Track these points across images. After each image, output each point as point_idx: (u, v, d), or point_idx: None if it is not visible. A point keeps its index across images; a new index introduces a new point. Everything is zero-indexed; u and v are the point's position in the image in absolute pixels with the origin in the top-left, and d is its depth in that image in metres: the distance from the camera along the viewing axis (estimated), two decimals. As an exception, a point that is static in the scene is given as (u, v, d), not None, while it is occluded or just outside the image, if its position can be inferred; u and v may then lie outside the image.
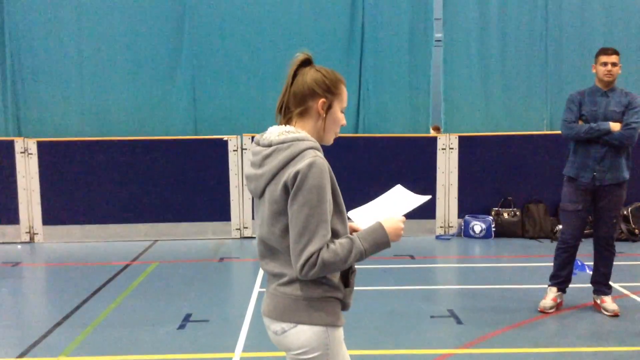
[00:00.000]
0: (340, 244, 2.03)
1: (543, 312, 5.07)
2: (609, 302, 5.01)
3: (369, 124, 8.58)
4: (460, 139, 8.26)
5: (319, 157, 2.03)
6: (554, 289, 5.15)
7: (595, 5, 8.52)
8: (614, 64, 4.83)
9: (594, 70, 4.96)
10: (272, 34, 8.39)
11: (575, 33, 8.52)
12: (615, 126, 4.76)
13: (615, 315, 4.93)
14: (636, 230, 7.89)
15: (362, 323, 4.84)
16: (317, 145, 2.11)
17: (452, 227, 8.34)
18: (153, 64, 8.35)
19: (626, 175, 4.90)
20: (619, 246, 7.41)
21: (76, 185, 8.06)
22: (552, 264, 5.21)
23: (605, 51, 4.89)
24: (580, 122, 4.90)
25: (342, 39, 8.47)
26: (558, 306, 5.15)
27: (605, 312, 4.98)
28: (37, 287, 6.54)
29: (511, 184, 8.31)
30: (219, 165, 8.13)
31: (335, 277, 2.14)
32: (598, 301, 5.09)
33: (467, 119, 8.60)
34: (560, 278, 5.13)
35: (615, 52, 4.86)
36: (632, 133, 4.78)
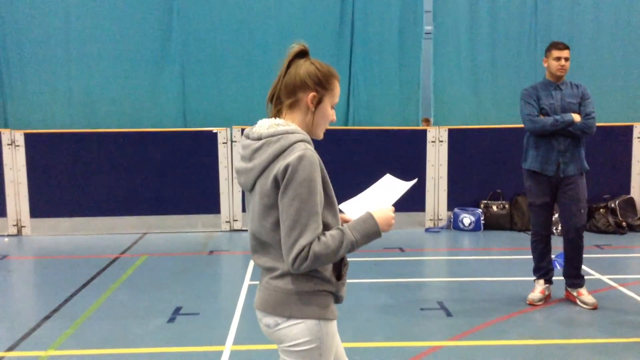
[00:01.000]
0: (331, 235, 2.03)
1: (532, 304, 5.11)
2: (585, 295, 5.03)
3: (358, 116, 8.58)
4: (450, 131, 8.28)
5: (309, 149, 2.02)
6: (541, 281, 5.20)
7: (584, 1, 8.54)
8: (566, 59, 4.93)
9: (545, 64, 5.05)
10: (261, 26, 8.34)
11: (564, 26, 8.54)
12: (576, 117, 4.87)
13: (595, 308, 4.94)
14: (623, 223, 7.94)
15: (352, 316, 4.85)
16: (308, 137, 2.10)
17: (441, 219, 8.37)
18: (142, 55, 8.29)
19: (586, 165, 5.03)
20: (607, 239, 7.52)
21: (64, 178, 8.00)
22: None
23: (557, 45, 4.97)
24: (541, 116, 4.96)
25: (332, 32, 8.44)
26: (546, 298, 5.19)
27: (585, 306, 4.98)
28: (25, 280, 6.50)
29: (500, 176, 8.34)
30: (208, 157, 8.10)
31: (327, 271, 2.14)
32: (574, 294, 5.10)
33: (456, 111, 8.62)
34: (543, 269, 5.19)
35: (567, 47, 4.96)
36: (593, 122, 4.91)
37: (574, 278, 5.11)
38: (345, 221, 2.25)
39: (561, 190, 5.01)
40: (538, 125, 4.92)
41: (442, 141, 8.26)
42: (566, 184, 4.98)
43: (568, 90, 4.98)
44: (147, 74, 8.32)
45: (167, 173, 8.10)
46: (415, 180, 2.35)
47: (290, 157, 1.99)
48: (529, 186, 5.13)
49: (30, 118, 8.24)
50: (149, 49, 8.29)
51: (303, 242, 1.98)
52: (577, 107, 4.93)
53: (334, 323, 2.20)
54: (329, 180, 2.10)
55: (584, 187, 5.03)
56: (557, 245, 7.17)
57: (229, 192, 8.18)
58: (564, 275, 5.19)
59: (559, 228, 7.80)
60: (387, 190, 2.32)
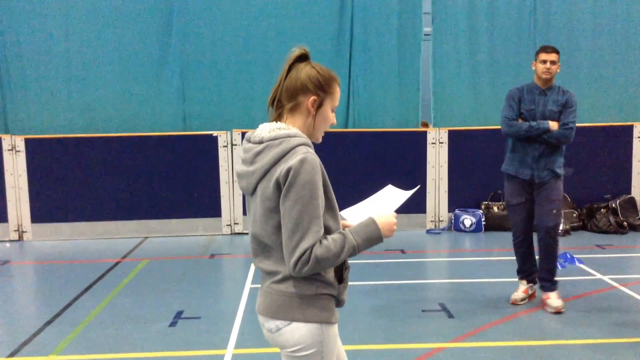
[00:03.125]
0: (332, 239, 2.03)
1: (515, 304, 5.12)
2: (553, 299, 4.96)
3: (358, 118, 8.58)
4: (450, 133, 8.28)
5: (310, 153, 2.03)
6: (524, 281, 5.23)
7: (582, 2, 8.55)
8: (553, 62, 4.87)
9: (533, 67, 5.01)
10: (261, 29, 8.35)
11: (563, 27, 8.55)
12: (554, 125, 4.84)
13: (558, 312, 4.87)
14: (624, 223, 7.94)
15: (353, 318, 4.84)
16: (309, 141, 2.11)
17: (442, 221, 8.37)
18: (141, 59, 8.29)
19: (560, 172, 4.99)
20: (609, 239, 7.52)
21: (65, 183, 8.00)
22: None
23: (545, 49, 4.94)
24: (520, 120, 4.95)
25: (331, 33, 8.45)
26: (530, 298, 5.22)
27: (549, 309, 4.94)
28: (26, 286, 6.50)
29: (500, 177, 8.18)
30: (208, 161, 8.10)
31: (329, 274, 2.14)
32: (543, 297, 5.06)
33: (456, 113, 8.62)
34: (526, 271, 5.20)
35: (555, 51, 4.92)
36: (570, 133, 4.86)
37: (544, 280, 5.05)
38: (346, 227, 2.25)
39: (536, 192, 5.02)
40: (513, 130, 4.92)
41: (442, 142, 8.26)
42: (540, 186, 4.98)
43: (553, 97, 4.92)
44: (147, 78, 8.32)
45: (168, 177, 8.10)
46: (417, 188, 2.37)
47: (292, 161, 2.00)
48: (506, 187, 5.20)
49: (31, 123, 8.25)
50: (148, 53, 8.30)
51: (305, 245, 1.98)
52: (557, 115, 4.88)
53: (335, 326, 2.20)
54: (329, 184, 2.10)
55: (559, 188, 5.01)
56: (560, 246, 7.17)
57: (230, 195, 8.18)
58: (537, 277, 5.15)
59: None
60: (389, 198, 2.33)
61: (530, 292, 5.22)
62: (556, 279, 5.08)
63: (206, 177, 8.12)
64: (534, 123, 4.85)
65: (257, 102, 8.16)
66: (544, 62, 4.88)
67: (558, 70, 4.95)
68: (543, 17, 8.54)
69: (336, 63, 8.34)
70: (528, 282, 5.22)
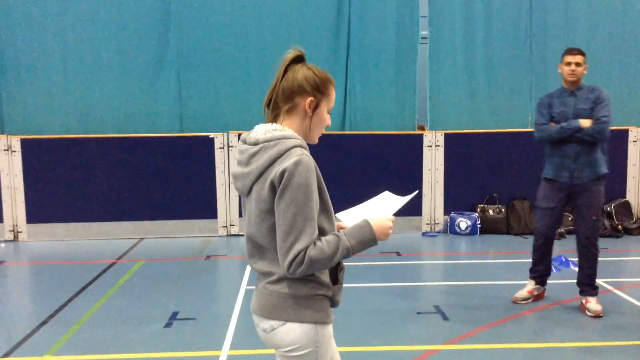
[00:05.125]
0: (326, 241, 2.04)
1: (516, 302, 5.17)
2: (592, 303, 4.98)
3: (355, 121, 8.59)
4: (446, 136, 8.30)
5: (305, 155, 2.04)
6: (533, 281, 5.27)
7: (579, 5, 8.59)
8: (577, 64, 4.88)
9: (559, 70, 5.02)
10: (258, 31, 8.37)
11: (559, 31, 8.59)
12: (585, 122, 4.80)
13: (597, 317, 4.89)
14: (619, 227, 7.97)
15: (348, 320, 4.85)
16: (304, 143, 2.12)
17: (437, 224, 8.38)
18: (138, 60, 8.29)
19: (603, 169, 4.92)
20: (603, 242, 7.49)
21: (60, 183, 8.00)
22: (536, 260, 5.28)
23: (570, 51, 4.95)
24: (552, 124, 4.93)
25: (328, 36, 8.46)
26: (535, 298, 5.25)
27: (588, 313, 4.96)
28: (21, 286, 6.48)
29: (496, 180, 8.37)
30: (205, 162, 8.11)
31: (324, 275, 2.15)
32: (583, 301, 5.07)
33: (452, 116, 8.64)
34: (538, 272, 5.24)
35: (581, 53, 4.93)
36: (603, 127, 4.79)
37: (584, 286, 5.06)
38: (342, 229, 2.25)
39: (574, 197, 4.97)
40: (545, 134, 4.90)
41: (438, 146, 8.29)
42: (579, 191, 4.92)
43: (583, 96, 4.91)
44: (144, 79, 8.32)
45: (164, 178, 8.10)
46: (414, 194, 2.37)
47: (286, 162, 2.00)
48: (540, 189, 5.13)
49: (27, 124, 8.23)
50: (145, 54, 8.29)
51: (299, 247, 1.99)
52: (589, 113, 4.84)
53: (330, 327, 2.20)
54: (324, 186, 2.11)
55: (599, 194, 4.95)
56: (555, 250, 7.20)
57: (226, 197, 8.18)
58: (576, 283, 5.14)
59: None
60: (386, 203, 2.33)
61: (535, 293, 5.25)
62: (597, 283, 5.08)
63: (202, 178, 8.12)
64: (564, 124, 4.83)
65: (254, 103, 8.16)
66: (569, 64, 4.90)
67: (585, 72, 4.95)
68: (539, 21, 8.57)
69: (333, 66, 8.35)
70: (537, 283, 5.25)
